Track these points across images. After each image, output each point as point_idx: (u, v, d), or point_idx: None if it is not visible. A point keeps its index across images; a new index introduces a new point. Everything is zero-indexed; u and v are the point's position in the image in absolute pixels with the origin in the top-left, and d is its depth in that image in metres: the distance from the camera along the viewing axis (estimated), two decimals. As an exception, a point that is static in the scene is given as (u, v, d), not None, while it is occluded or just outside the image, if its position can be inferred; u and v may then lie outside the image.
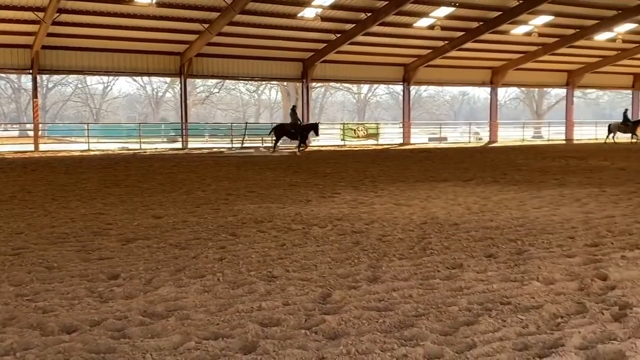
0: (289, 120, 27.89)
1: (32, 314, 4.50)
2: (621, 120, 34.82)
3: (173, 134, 38.96)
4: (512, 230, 7.70)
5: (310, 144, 31.99)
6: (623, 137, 35.41)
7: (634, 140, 33.54)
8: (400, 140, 36.45)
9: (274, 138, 26.91)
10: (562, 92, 43.54)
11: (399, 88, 43.75)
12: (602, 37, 33.21)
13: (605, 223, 8.14)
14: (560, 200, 10.50)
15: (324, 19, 27.25)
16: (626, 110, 36.35)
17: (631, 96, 46.10)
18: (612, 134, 34.25)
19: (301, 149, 26.74)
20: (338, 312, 4.51)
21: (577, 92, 49.21)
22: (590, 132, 42.56)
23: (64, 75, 58.88)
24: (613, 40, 33.86)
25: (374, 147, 32.62)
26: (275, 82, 49.13)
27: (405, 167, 17.94)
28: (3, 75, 58.53)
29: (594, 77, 41.12)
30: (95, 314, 4.46)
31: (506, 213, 9.12)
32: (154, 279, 5.46)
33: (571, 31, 32.36)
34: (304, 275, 5.56)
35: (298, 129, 26.28)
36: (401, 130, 37.54)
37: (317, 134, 27.16)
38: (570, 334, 3.95)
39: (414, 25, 29.13)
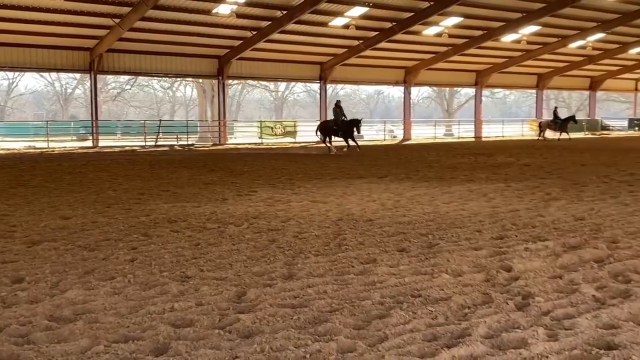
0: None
1: None
2: (551, 119, 35.88)
3: (83, 132, 37.62)
4: (424, 225, 7.92)
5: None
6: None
7: (562, 137, 34.13)
8: (318, 139, 36.64)
9: (321, 137, 24.49)
10: (471, 91, 45.18)
11: (316, 86, 44.03)
12: (508, 38, 34.65)
13: (510, 217, 8.51)
14: (468, 195, 10.88)
15: (239, 15, 27.04)
16: (555, 108, 37.50)
17: (535, 95, 48.38)
18: (542, 132, 34.98)
19: (351, 145, 23.99)
20: (253, 310, 4.50)
21: (485, 92, 51.18)
22: (498, 130, 44.35)
23: (-37, 70, 55.52)
24: (518, 41, 35.41)
25: (291, 145, 32.69)
26: (190, 79, 48.31)
27: (322, 165, 18.08)
28: None
29: (500, 77, 42.85)
30: (-4, 321, 4.25)
31: (418, 208, 9.36)
32: (61, 282, 5.26)
33: (479, 32, 33.57)
34: (218, 275, 5.51)
35: (340, 125, 23.96)
36: (318, 128, 37.71)
37: (358, 130, 24.38)
38: (476, 324, 4.11)
39: (330, 24, 29.39)
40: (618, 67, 45.98)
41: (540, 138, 34.87)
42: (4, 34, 25.89)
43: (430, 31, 32.11)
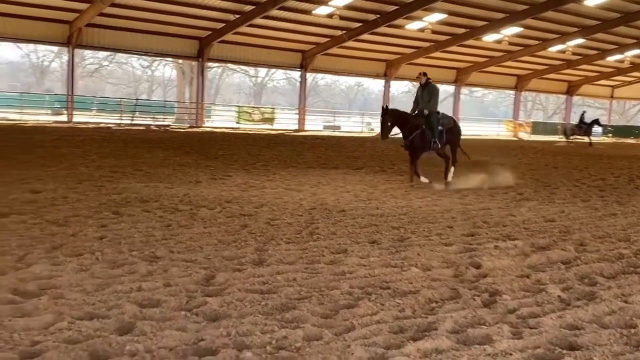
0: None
1: None
2: (576, 123, 34.95)
3: (58, 106, 37.01)
4: (396, 218, 7.95)
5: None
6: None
7: (588, 141, 32.64)
8: (295, 127, 36.60)
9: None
10: (450, 88, 45.38)
11: (296, 74, 43.88)
12: (490, 38, 34.87)
13: (481, 214, 8.58)
14: (442, 191, 10.94)
15: (223, -2, 26.79)
16: (583, 112, 36.51)
17: (514, 96, 48.81)
18: (568, 136, 33.68)
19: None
20: (221, 294, 4.48)
21: (464, 90, 51.43)
22: (475, 129, 44.68)
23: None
24: (499, 42, 35.65)
25: (268, 131, 32.58)
26: (170, 59, 47.79)
27: (299, 153, 18.04)
28: None
29: (480, 76, 43.16)
30: (-44, 292, 4.17)
31: (392, 202, 9.39)
32: (27, 255, 5.18)
33: (462, 30, 33.72)
34: (188, 257, 5.47)
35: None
36: (297, 116, 37.70)
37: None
38: (443, 319, 4.14)
39: (314, 12, 29.25)
40: (595, 74, 46.62)
41: (569, 143, 33.39)
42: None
43: (413, 26, 32.16)
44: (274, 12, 28.44)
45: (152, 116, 34.15)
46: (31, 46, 61.31)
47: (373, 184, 11.42)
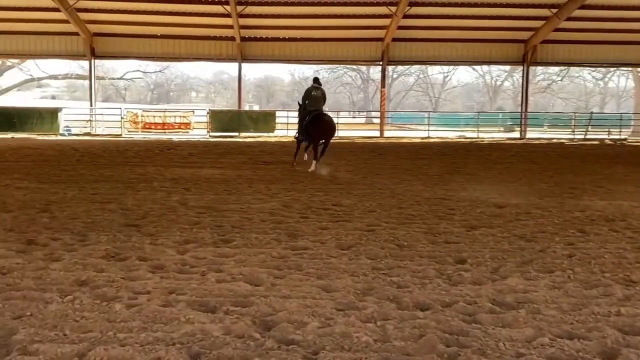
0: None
1: (387, 287, 4.85)
2: None
3: (510, 123, 38.36)
4: None
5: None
6: None
7: None
8: None
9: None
10: None
11: None
12: None
13: None
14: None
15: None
16: None
17: None
18: None
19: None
20: None
21: None
22: None
23: (407, 66, 62.33)
24: None
25: None
26: (626, 69, 44.70)
27: None
28: (355, 67, 64.50)
29: None
30: (445, 296, 4.61)
31: None
32: (501, 268, 5.43)
33: None
34: (673, 285, 4.95)
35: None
36: None
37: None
38: None
39: None
40: None
41: None
42: (444, 31, 27.88)
43: None
44: None
45: (606, 130, 32.45)
46: (485, 67, 65.23)
47: None
